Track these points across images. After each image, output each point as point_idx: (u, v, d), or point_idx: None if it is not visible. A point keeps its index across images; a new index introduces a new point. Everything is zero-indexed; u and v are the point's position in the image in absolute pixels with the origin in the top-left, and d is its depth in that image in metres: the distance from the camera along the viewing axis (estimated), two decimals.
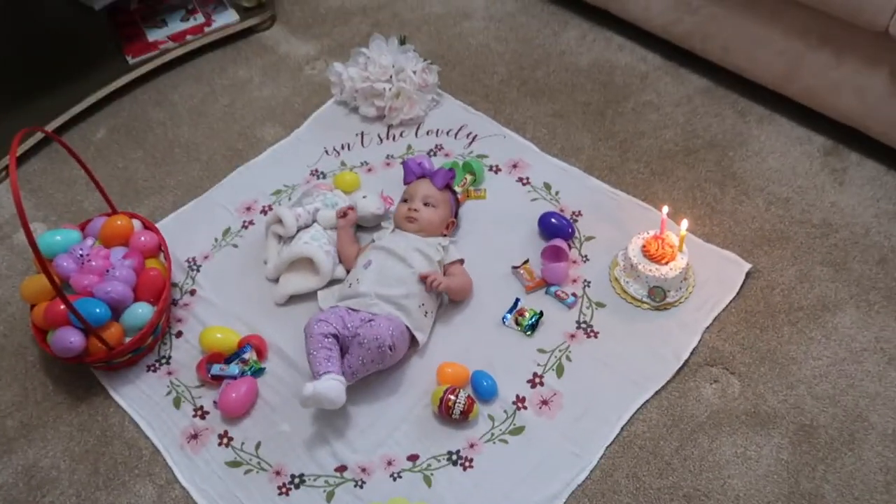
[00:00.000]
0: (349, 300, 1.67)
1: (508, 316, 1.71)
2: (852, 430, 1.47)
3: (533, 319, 1.68)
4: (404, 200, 1.85)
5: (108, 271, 1.66)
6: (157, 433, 1.61)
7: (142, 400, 1.67)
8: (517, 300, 1.74)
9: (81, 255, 1.70)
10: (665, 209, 1.69)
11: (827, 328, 1.64)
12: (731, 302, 1.70)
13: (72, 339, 1.56)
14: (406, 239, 1.77)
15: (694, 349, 1.62)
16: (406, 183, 1.90)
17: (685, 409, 1.54)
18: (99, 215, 1.89)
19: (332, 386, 1.48)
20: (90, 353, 1.61)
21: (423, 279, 1.66)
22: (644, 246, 1.70)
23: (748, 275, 1.74)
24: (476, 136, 2.15)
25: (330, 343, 1.55)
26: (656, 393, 1.56)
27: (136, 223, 1.85)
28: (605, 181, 1.99)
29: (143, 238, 1.79)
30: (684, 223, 1.66)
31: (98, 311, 1.58)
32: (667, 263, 1.67)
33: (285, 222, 1.82)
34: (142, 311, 1.66)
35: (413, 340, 1.65)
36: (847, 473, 1.42)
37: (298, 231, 1.84)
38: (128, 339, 1.65)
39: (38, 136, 2.22)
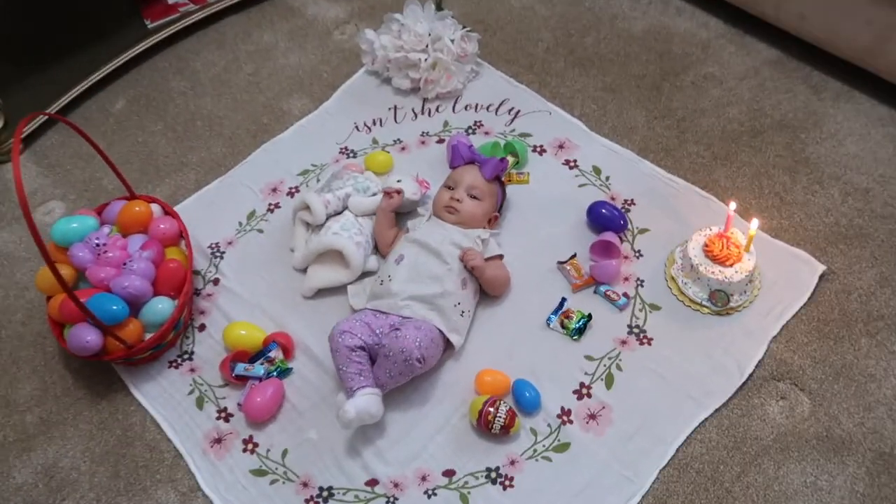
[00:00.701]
0: (379, 300, 1.55)
1: (554, 318, 1.57)
2: None
3: (581, 322, 1.55)
4: (448, 187, 1.70)
5: (125, 263, 1.56)
6: (180, 436, 1.53)
7: (164, 399, 1.58)
8: (563, 300, 1.60)
9: (98, 245, 1.60)
10: (732, 205, 1.52)
11: None
12: (801, 308, 1.54)
13: (88, 337, 1.47)
14: (443, 230, 1.63)
15: (759, 361, 1.47)
16: (452, 167, 1.75)
17: (748, 430, 1.40)
18: (117, 199, 1.78)
19: (371, 402, 1.39)
20: (108, 351, 1.52)
21: (461, 258, 1.54)
22: (706, 245, 1.54)
23: (822, 277, 1.57)
24: (519, 111, 1.98)
25: (359, 357, 1.44)
26: (716, 410, 1.43)
27: (156, 208, 1.74)
28: (660, 165, 1.81)
29: (162, 225, 1.68)
30: (755, 222, 1.49)
31: (115, 307, 1.48)
32: (732, 265, 1.51)
33: (313, 209, 1.69)
34: (162, 307, 1.56)
35: (448, 343, 1.52)
36: None
37: (328, 219, 1.71)
38: (148, 336, 1.56)
39: (54, 107, 2.10)
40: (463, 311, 1.55)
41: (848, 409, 1.40)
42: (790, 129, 1.83)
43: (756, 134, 1.84)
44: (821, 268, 1.58)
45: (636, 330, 1.55)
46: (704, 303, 1.54)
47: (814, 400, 1.42)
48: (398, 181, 1.77)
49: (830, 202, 1.69)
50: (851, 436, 1.37)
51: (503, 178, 1.81)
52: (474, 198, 1.67)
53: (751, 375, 1.46)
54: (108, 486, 1.49)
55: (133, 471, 1.50)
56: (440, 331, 1.49)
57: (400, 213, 1.80)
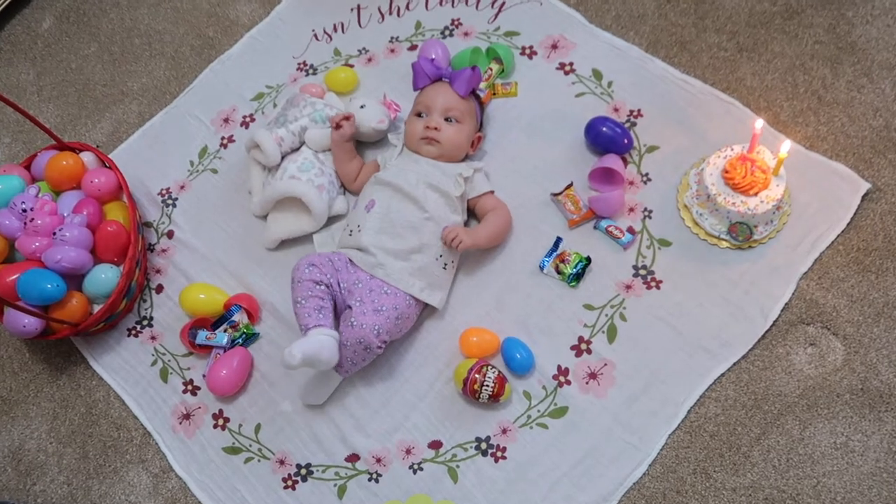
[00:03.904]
0: (350, 251, 1.35)
1: (547, 261, 1.37)
2: None
3: (578, 266, 1.34)
4: (419, 114, 1.45)
5: (55, 232, 1.37)
6: (146, 412, 1.41)
7: (126, 371, 1.46)
8: (558, 240, 1.39)
9: (24, 211, 1.40)
10: (759, 123, 1.25)
11: None
12: (838, 236, 1.31)
13: (25, 321, 1.32)
14: (417, 168, 1.40)
15: (786, 303, 1.27)
16: (417, 88, 1.48)
17: (771, 385, 1.23)
18: (45, 148, 1.56)
19: (324, 343, 1.22)
20: (54, 330, 1.37)
21: (443, 242, 1.33)
22: (726, 171, 1.29)
23: (865, 197, 1.33)
24: (504, 3, 1.66)
25: (321, 291, 1.27)
26: (734, 363, 1.25)
27: (89, 158, 1.52)
28: (673, 64, 1.51)
29: (96, 179, 1.47)
30: (786, 144, 1.23)
31: (50, 286, 1.31)
32: (756, 194, 1.27)
33: (265, 149, 1.46)
34: (105, 276, 1.39)
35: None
36: None
37: (284, 158, 1.48)
38: (96, 308, 1.40)
39: None
40: (446, 264, 1.35)
41: (888, 356, 1.22)
42: (834, 5, 1.50)
43: (791, 15, 1.51)
44: (864, 185, 1.33)
45: (643, 271, 1.35)
46: (723, 236, 1.32)
47: (848, 346, 1.24)
48: (362, 106, 1.52)
49: (880, 99, 1.41)
50: (891, 387, 1.20)
51: (487, 92, 1.54)
52: (453, 120, 1.41)
53: (776, 320, 1.26)
54: (77, 469, 1.40)
55: (101, 451, 1.40)
56: (414, 298, 1.31)
57: (369, 143, 1.56)
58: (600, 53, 1.56)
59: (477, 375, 1.25)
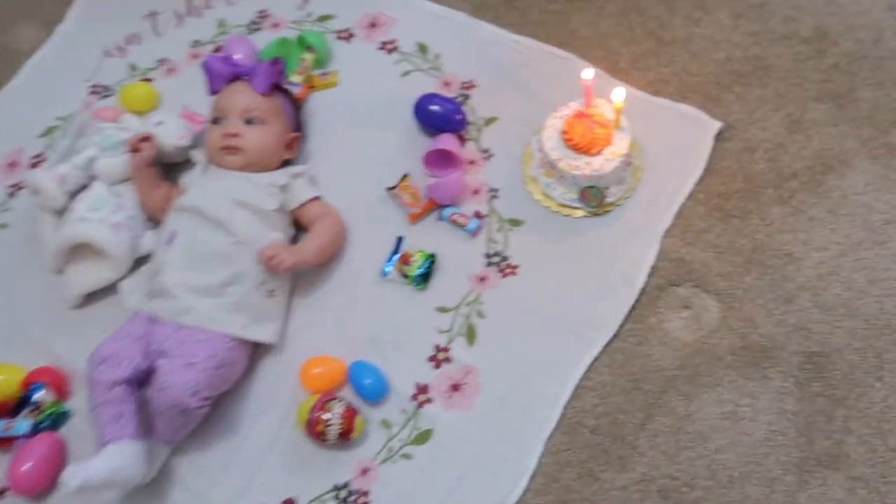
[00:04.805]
0: (156, 300, 1.14)
1: (390, 266, 1.21)
2: (880, 348, 1.05)
3: (424, 266, 1.18)
4: (215, 121, 1.25)
5: None
6: None
7: None
8: (399, 239, 1.22)
9: None
10: (588, 72, 1.11)
11: (833, 198, 1.15)
12: (696, 184, 1.19)
13: None
14: (223, 185, 1.20)
15: (651, 267, 1.15)
16: (212, 93, 1.28)
17: (648, 361, 1.10)
18: None
19: (116, 466, 1.01)
20: None
21: (264, 266, 1.14)
22: (564, 132, 1.15)
23: (718, 137, 1.22)
24: None
25: (119, 394, 1.05)
26: (607, 344, 1.11)
27: None
28: (502, 25, 1.38)
29: None
30: (619, 91, 1.09)
31: None
32: (599, 152, 1.14)
33: (43, 192, 1.24)
34: None
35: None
36: (877, 414, 1.01)
37: (73, 198, 1.26)
38: None
39: None
40: (272, 290, 1.17)
41: (765, 305, 1.10)
42: None
43: None
44: (715, 125, 1.22)
45: (496, 259, 1.20)
46: (575, 205, 1.19)
47: (723, 302, 1.12)
48: (157, 123, 1.31)
49: (719, 31, 1.30)
50: (772, 339, 1.08)
51: (295, 81, 1.36)
52: (256, 121, 1.23)
53: (644, 288, 1.14)
54: None
55: None
56: (239, 337, 1.12)
57: (175, 164, 1.35)
58: (423, 25, 1.40)
59: (320, 414, 1.07)
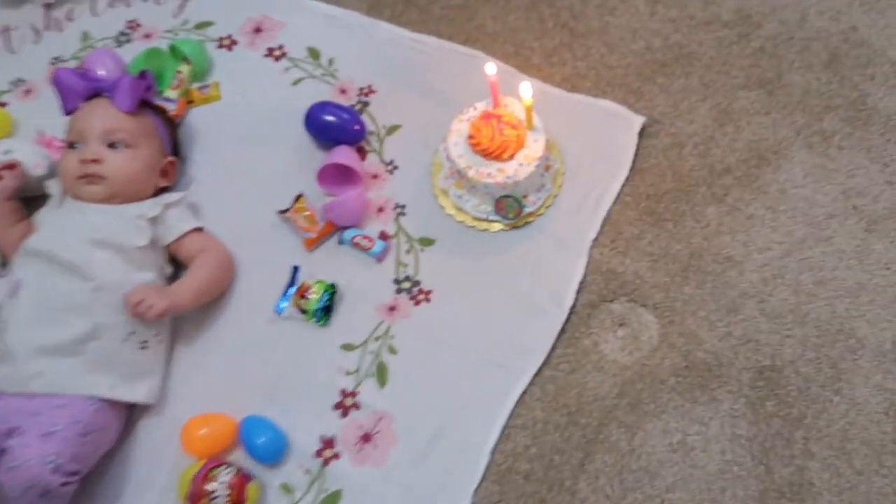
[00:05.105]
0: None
1: (285, 301, 1.04)
2: (834, 356, 0.94)
3: (324, 298, 1.02)
4: (71, 145, 1.07)
5: None
6: None
7: None
8: (295, 269, 1.06)
9: None
10: (491, 68, 0.98)
11: (771, 193, 1.05)
12: (623, 186, 1.07)
13: None
14: (81, 221, 1.02)
15: (581, 282, 1.02)
16: (66, 112, 1.10)
17: (584, 390, 0.96)
18: None
19: None
20: None
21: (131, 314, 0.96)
22: (471, 136, 1.01)
23: (642, 133, 1.10)
24: None
25: None
26: (536, 374, 0.97)
27: None
28: (401, 23, 1.24)
29: None
30: (526, 86, 0.96)
31: None
32: (512, 156, 1.00)
33: None
34: None
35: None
36: (838, 433, 0.90)
37: None
38: None
39: None
40: (145, 341, 0.99)
41: (707, 317, 0.99)
42: None
43: None
44: (639, 120, 1.10)
45: (407, 284, 1.05)
46: (492, 217, 1.05)
47: (662, 316, 0.99)
48: (6, 153, 1.12)
49: (636, 19, 1.19)
50: (718, 355, 0.96)
51: (170, 97, 1.19)
52: (120, 145, 1.05)
53: (573, 306, 1.00)
54: None
55: None
56: (106, 399, 0.93)
57: (34, 197, 1.16)
58: (314, 28, 1.26)
59: (204, 485, 0.90)
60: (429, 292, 1.04)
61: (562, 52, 1.18)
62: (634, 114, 1.11)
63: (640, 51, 1.17)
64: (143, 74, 1.13)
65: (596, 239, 1.04)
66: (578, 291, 1.01)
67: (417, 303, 1.03)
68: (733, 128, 1.10)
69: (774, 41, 1.15)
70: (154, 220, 1.04)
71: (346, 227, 1.08)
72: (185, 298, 1.00)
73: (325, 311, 1.03)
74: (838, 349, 0.94)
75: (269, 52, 1.25)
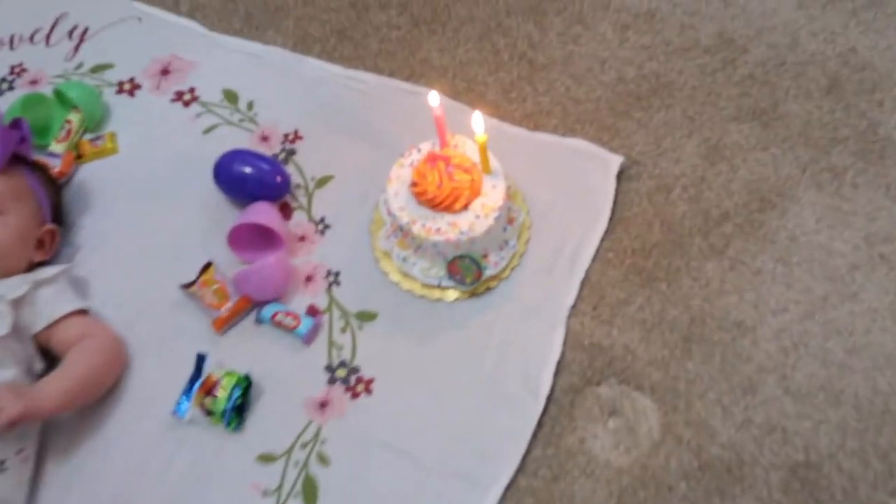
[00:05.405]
0: None
1: (187, 401, 0.82)
2: (883, 446, 0.74)
3: (235, 395, 0.80)
4: None
5: None
6: None
7: None
8: (200, 359, 0.84)
9: None
10: (434, 97, 0.80)
11: (779, 243, 0.87)
12: (604, 240, 0.89)
13: None
14: None
15: (559, 362, 0.82)
16: None
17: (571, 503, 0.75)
18: None
19: None
20: None
21: None
22: (414, 183, 0.82)
23: (621, 176, 0.93)
24: (87, 30, 1.14)
25: None
26: (508, 485, 0.76)
27: None
28: (333, 60, 1.07)
29: None
30: (477, 117, 0.78)
31: None
32: (466, 206, 0.81)
33: None
34: None
35: None
36: None
37: None
38: None
39: None
40: (2, 461, 0.75)
41: (719, 399, 0.79)
42: None
43: None
44: (616, 160, 0.93)
45: (342, 372, 0.83)
46: (444, 283, 0.85)
47: (662, 401, 0.80)
48: None
49: (603, 47, 1.04)
50: (738, 450, 0.76)
51: (56, 152, 0.99)
52: None
53: (551, 394, 0.80)
54: None
55: None
56: None
57: None
58: (231, 68, 1.07)
59: None
60: (370, 381, 0.82)
61: (521, 87, 1.01)
62: (610, 153, 0.93)
63: (612, 82, 1.00)
64: (16, 123, 0.93)
65: (574, 306, 0.84)
66: (556, 374, 0.81)
67: (355, 396, 0.82)
68: (727, 166, 0.93)
69: (764, 67, 1.00)
70: (18, 303, 0.82)
71: (265, 303, 0.87)
72: (51, 400, 0.77)
73: (237, 412, 0.80)
74: (886, 436, 0.75)
75: (178, 97, 1.05)
